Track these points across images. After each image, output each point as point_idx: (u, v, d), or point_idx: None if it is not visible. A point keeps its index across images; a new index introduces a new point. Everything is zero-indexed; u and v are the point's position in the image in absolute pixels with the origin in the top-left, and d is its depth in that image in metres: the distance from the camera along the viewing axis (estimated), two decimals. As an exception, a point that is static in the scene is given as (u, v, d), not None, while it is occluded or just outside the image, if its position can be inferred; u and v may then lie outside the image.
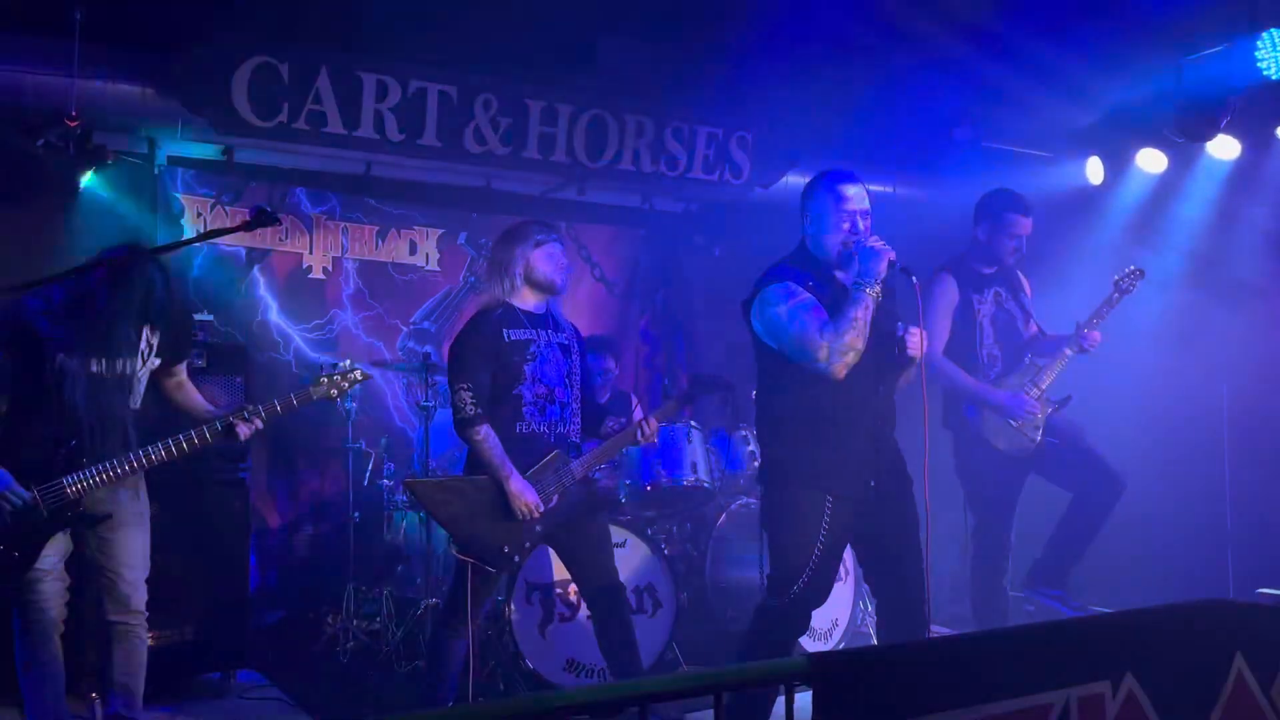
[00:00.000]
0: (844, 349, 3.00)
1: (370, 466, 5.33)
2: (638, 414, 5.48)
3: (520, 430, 3.51)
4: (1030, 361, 4.26)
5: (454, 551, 3.55)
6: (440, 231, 6.13)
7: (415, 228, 6.06)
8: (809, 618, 3.24)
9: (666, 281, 6.88)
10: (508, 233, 3.69)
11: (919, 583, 3.18)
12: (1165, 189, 5.65)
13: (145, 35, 4.62)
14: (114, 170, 4.98)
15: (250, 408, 3.21)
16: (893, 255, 3.08)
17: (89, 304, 3.09)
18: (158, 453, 3.12)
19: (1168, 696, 2.14)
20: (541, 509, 3.48)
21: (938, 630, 5.29)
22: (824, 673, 1.81)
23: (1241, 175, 5.32)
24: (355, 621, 4.92)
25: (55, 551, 3.15)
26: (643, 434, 3.66)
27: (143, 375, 3.23)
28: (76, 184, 5.05)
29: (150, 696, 4.05)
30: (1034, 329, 4.35)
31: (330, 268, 5.82)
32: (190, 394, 3.39)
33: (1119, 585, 4.67)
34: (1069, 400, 4.19)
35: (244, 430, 3.17)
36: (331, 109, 4.84)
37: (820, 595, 3.18)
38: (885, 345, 3.15)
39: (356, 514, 5.16)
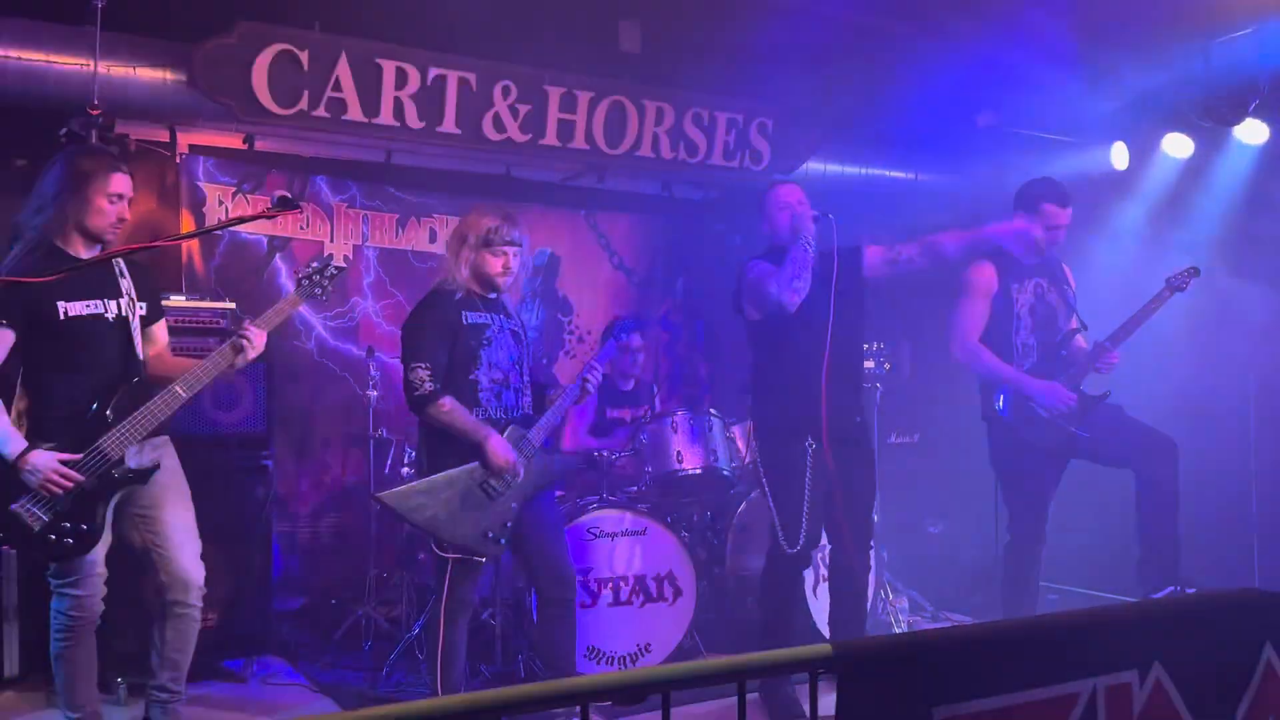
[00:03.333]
0: (789, 279, 3.64)
1: (391, 454, 5.34)
2: (658, 404, 5.48)
3: (478, 416, 3.51)
4: (1066, 356, 4.20)
5: (437, 551, 3.51)
6: (460, 219, 6.12)
7: (435, 216, 6.07)
8: (811, 557, 3.85)
9: (686, 269, 6.86)
10: (466, 219, 3.66)
11: (864, 546, 3.91)
12: (1192, 174, 5.58)
13: (166, 23, 4.63)
14: (136, 158, 5.00)
15: (247, 322, 3.18)
16: (812, 213, 3.79)
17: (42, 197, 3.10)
18: (181, 391, 3.06)
19: (1196, 687, 2.12)
20: (520, 468, 3.49)
21: (960, 619, 5.28)
22: (848, 660, 1.80)
23: (1270, 160, 5.24)
24: (376, 608, 4.95)
25: (102, 543, 3.12)
26: (584, 389, 3.73)
27: (136, 324, 3.18)
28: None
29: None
30: (1075, 323, 4.26)
31: (351, 255, 5.83)
32: (175, 364, 3.28)
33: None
34: (1107, 395, 4.13)
35: (248, 344, 3.11)
36: (351, 96, 4.84)
37: (819, 536, 3.81)
38: (842, 315, 3.71)
39: (378, 502, 5.17)
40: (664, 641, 4.46)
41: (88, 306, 3.08)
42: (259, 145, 5.20)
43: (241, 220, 3.25)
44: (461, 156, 5.53)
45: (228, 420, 4.39)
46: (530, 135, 5.28)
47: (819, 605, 4.53)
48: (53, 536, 2.97)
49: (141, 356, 3.19)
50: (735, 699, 1.76)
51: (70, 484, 2.94)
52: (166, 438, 3.29)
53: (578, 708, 1.67)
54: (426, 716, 1.56)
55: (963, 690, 1.85)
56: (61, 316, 3.04)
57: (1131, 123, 5.50)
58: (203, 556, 3.27)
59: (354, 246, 5.85)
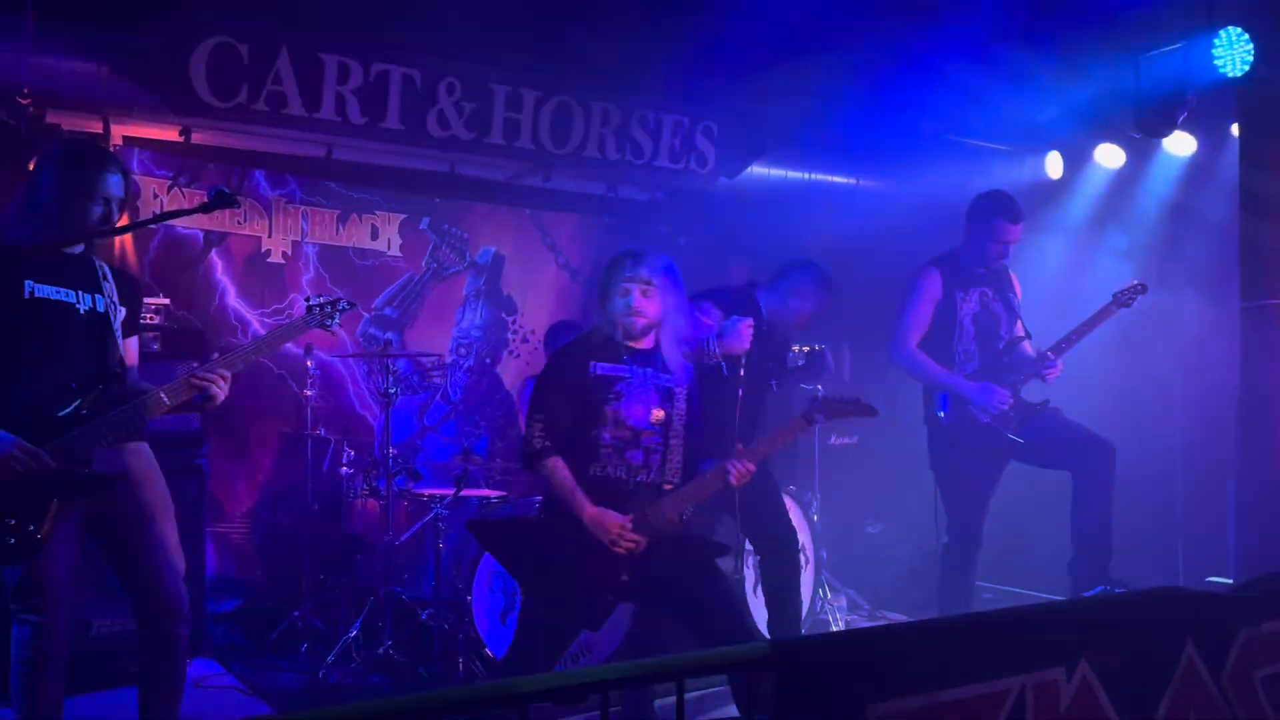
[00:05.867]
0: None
1: (330, 454, 5.29)
2: None
3: (594, 473, 3.18)
4: (1008, 363, 4.29)
5: (528, 605, 3.22)
6: (402, 217, 6.07)
7: (377, 213, 6.00)
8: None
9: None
10: (607, 264, 3.33)
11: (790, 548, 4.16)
12: (1123, 184, 5.74)
13: (102, 12, 4.52)
14: (67, 150, 4.87)
15: (216, 358, 2.97)
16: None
17: (37, 190, 2.88)
18: (166, 398, 2.87)
19: (1121, 682, 2.18)
20: (630, 527, 3.10)
21: (896, 617, 5.37)
22: (786, 659, 1.82)
23: (1198, 171, 5.41)
24: (313, 610, 4.88)
25: (68, 553, 2.86)
26: (735, 477, 3.18)
27: (118, 326, 2.97)
28: (27, 163, 4.95)
29: (103, 684, 4.03)
30: (1019, 331, 4.36)
31: (290, 252, 5.75)
32: (135, 382, 3.04)
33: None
34: (1046, 404, 4.23)
35: (215, 390, 2.89)
36: (292, 90, 4.77)
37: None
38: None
39: (315, 502, 5.11)
40: (611, 639, 4.45)
41: (58, 293, 2.89)
42: (196, 138, 5.10)
43: (177, 214, 3.15)
44: (405, 153, 5.48)
45: (160, 418, 4.29)
46: (475, 133, 5.26)
47: (758, 605, 4.57)
48: None
49: (125, 358, 2.99)
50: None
51: (34, 466, 2.69)
52: (145, 445, 3.06)
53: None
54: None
55: (896, 687, 1.89)
56: (27, 295, 2.83)
57: (1066, 133, 5.64)
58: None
59: (293, 242, 5.77)
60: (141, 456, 3.05)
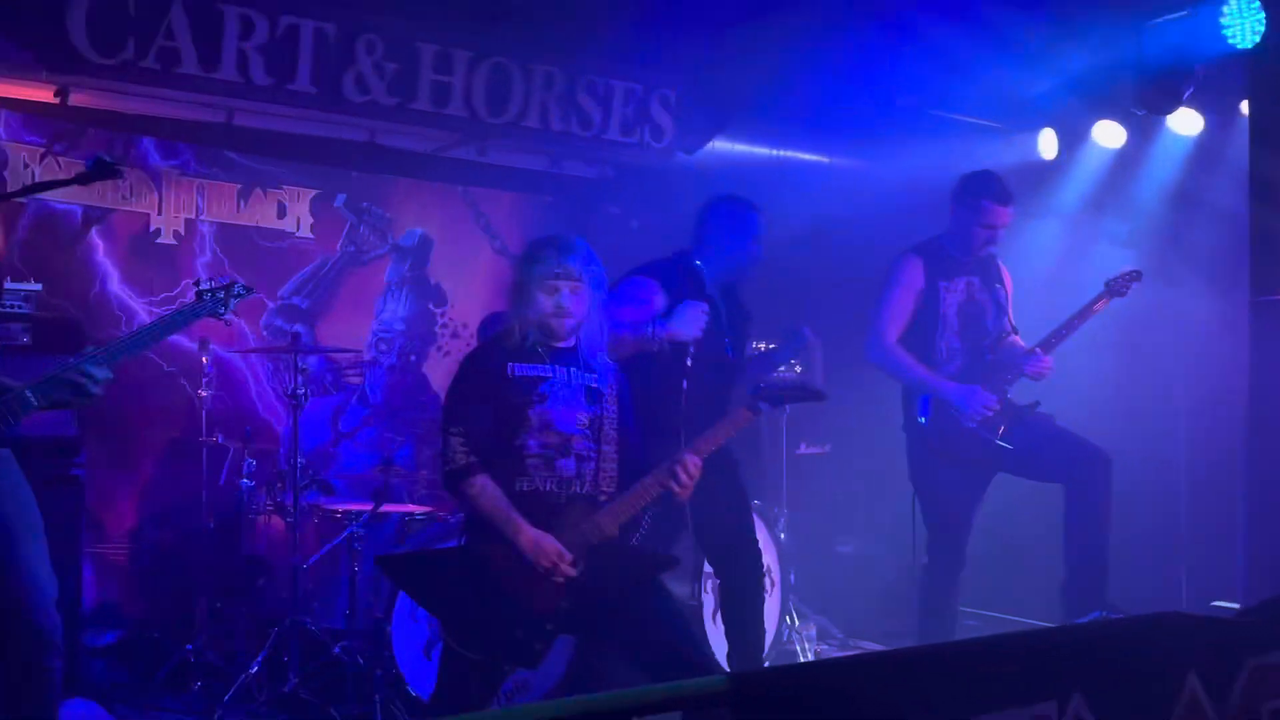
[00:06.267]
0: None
1: (228, 464, 5.22)
2: None
3: (522, 487, 3.16)
4: (994, 361, 4.34)
5: (454, 645, 3.16)
6: (314, 192, 6.02)
7: (284, 187, 5.95)
8: None
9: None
10: (523, 253, 3.40)
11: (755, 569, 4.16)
12: (1123, 165, 5.83)
13: (-39, -50, 4.43)
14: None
15: (92, 351, 2.90)
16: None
17: None
18: (34, 398, 2.86)
19: (1118, 717, 2.21)
20: (570, 557, 3.11)
21: (871, 647, 5.42)
22: (746, 693, 1.82)
23: (1204, 152, 5.50)
24: (208, 644, 4.82)
25: None
26: (679, 478, 3.18)
27: None
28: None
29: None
30: (1007, 325, 4.40)
31: (183, 231, 5.68)
32: None
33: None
34: (1036, 406, 4.28)
35: (91, 388, 2.85)
36: (187, 46, 4.71)
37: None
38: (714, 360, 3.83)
39: (210, 519, 5.05)
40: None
41: None
42: (74, 99, 5.00)
43: (50, 185, 3.09)
44: (318, 120, 5.44)
45: (30, 421, 4.16)
46: (398, 99, 5.23)
47: (717, 634, 4.58)
48: None
49: None
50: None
51: None
52: (8, 452, 3.04)
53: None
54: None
55: (870, 725, 1.89)
56: None
57: (1061, 109, 5.72)
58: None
59: (186, 221, 5.69)
60: (3, 465, 2.99)
